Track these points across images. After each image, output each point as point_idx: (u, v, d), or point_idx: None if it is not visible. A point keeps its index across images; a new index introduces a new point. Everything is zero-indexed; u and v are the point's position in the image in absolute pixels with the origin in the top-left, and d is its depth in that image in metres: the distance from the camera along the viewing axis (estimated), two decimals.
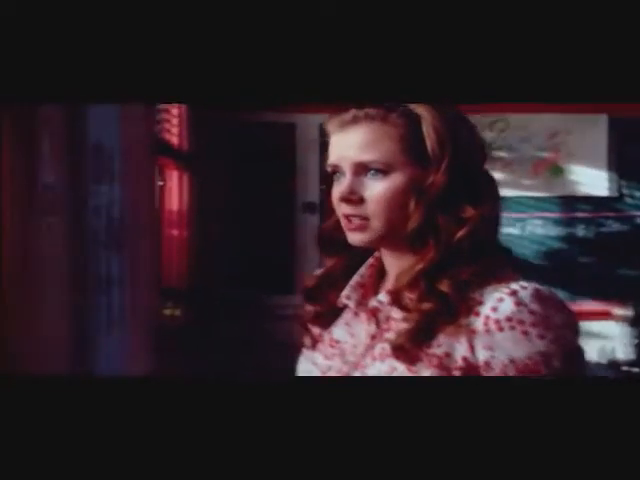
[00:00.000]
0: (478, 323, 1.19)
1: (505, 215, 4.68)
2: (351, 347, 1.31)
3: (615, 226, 4.77)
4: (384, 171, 1.25)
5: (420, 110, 1.26)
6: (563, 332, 1.19)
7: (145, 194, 3.39)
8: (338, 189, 1.28)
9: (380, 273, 1.34)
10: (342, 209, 1.28)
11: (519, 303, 1.18)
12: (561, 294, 1.22)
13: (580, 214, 4.77)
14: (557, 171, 4.72)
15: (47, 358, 2.35)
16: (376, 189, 1.25)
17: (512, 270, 1.25)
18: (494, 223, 1.28)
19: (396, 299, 1.25)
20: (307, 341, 1.38)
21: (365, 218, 1.26)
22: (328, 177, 1.31)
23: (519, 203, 4.71)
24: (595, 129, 4.69)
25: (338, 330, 1.35)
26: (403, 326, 1.23)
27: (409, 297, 1.24)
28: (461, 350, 1.20)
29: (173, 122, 3.99)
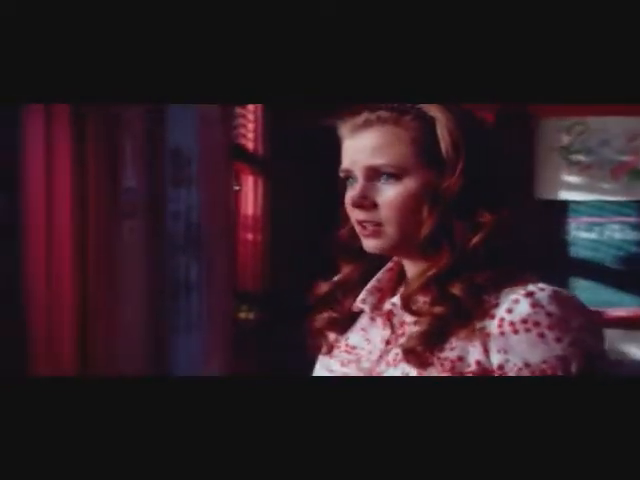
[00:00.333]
0: (493, 325, 1.16)
1: (583, 220, 4.64)
2: (367, 353, 1.28)
3: None
4: (397, 175, 1.21)
5: (434, 112, 1.22)
6: (582, 335, 1.14)
7: (222, 198, 3.42)
8: (350, 194, 1.24)
9: (400, 277, 1.30)
10: (355, 215, 1.25)
11: (535, 304, 1.14)
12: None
13: None
14: (636, 175, 4.63)
15: (126, 360, 2.39)
16: (389, 194, 1.21)
17: (530, 274, 1.19)
18: (511, 229, 1.22)
19: (406, 304, 1.22)
20: (323, 348, 1.35)
21: (378, 224, 1.22)
22: (341, 183, 1.28)
23: (597, 207, 4.63)
24: None
25: (354, 336, 1.32)
26: (415, 329, 1.20)
27: (423, 300, 1.21)
28: (475, 354, 1.16)
29: (249, 127, 4.03)
